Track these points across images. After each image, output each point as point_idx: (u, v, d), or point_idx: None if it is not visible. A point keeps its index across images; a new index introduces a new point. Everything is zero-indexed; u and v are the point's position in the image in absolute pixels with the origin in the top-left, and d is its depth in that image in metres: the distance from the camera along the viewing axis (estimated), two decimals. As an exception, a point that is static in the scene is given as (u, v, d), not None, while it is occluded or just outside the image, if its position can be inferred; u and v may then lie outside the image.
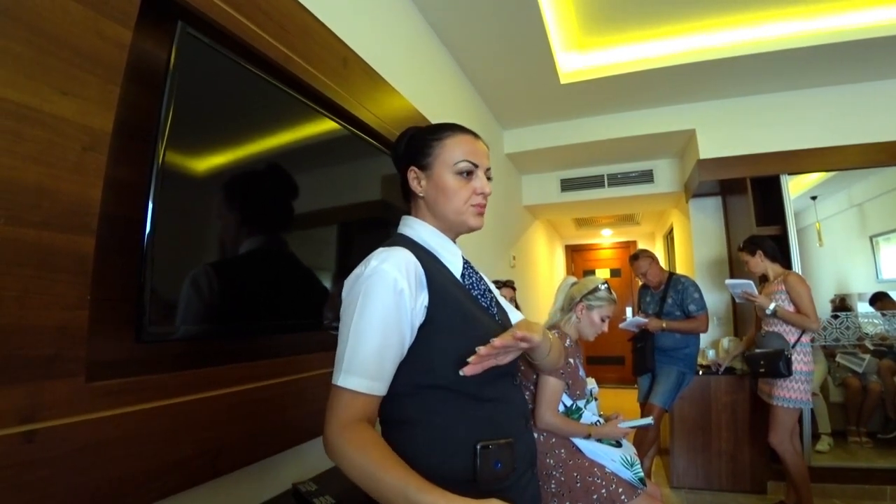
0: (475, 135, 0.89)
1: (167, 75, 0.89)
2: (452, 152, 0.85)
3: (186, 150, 0.94)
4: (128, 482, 0.81)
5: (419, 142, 0.88)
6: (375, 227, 1.66)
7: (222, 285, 1.01)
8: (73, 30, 0.77)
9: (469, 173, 0.85)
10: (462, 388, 0.76)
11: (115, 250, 0.87)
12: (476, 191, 0.85)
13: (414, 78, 2.26)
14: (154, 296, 0.84)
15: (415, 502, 0.61)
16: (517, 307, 2.84)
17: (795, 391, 2.44)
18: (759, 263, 2.70)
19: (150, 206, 0.83)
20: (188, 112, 0.93)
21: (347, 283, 0.77)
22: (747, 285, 2.67)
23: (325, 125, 1.41)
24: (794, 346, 2.48)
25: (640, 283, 3.34)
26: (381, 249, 0.77)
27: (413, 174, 0.87)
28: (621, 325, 3.13)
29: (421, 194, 0.87)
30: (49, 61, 0.74)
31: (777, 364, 2.43)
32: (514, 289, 2.80)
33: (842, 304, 3.33)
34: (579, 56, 3.14)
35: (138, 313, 0.82)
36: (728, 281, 2.81)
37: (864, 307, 3.28)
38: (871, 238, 3.39)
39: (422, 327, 0.76)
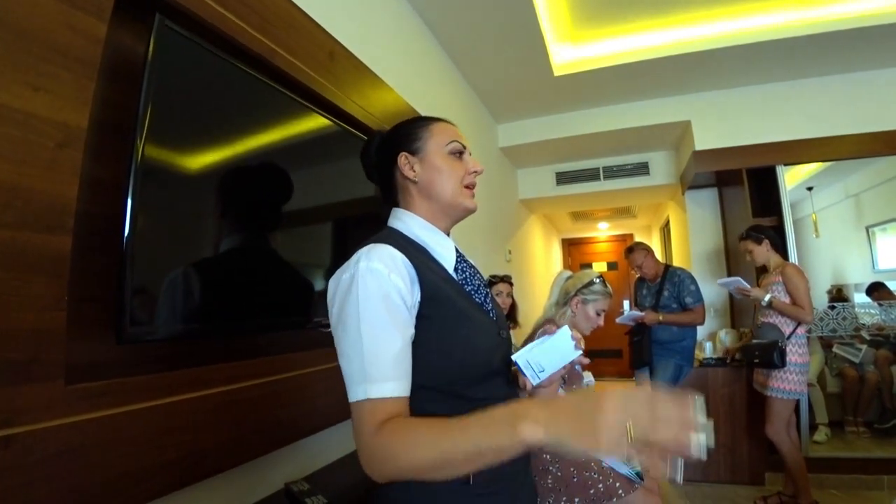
0: (452, 123, 0.91)
1: (145, 70, 0.86)
2: (442, 135, 0.87)
3: (166, 147, 0.91)
4: (111, 486, 0.79)
5: (405, 130, 0.88)
6: (368, 223, 1.63)
7: (205, 284, 0.99)
8: (44, 23, 0.75)
9: (459, 154, 0.87)
10: (453, 389, 0.74)
11: (94, 250, 0.85)
12: (469, 169, 0.86)
13: (404, 71, 2.23)
14: (135, 296, 0.82)
15: (481, 426, 0.58)
16: (514, 303, 2.84)
17: (791, 382, 2.44)
18: (765, 253, 2.68)
19: (129, 203, 0.81)
20: (168, 108, 0.91)
21: (338, 287, 0.72)
22: (737, 282, 2.68)
23: (313, 120, 1.39)
24: (789, 338, 2.48)
25: (637, 276, 3.33)
26: (363, 248, 0.74)
27: (405, 159, 0.86)
28: (618, 320, 3.12)
29: (415, 179, 0.85)
30: (19, 56, 0.71)
31: (771, 355, 2.43)
32: (511, 284, 2.79)
33: (838, 295, 3.33)
34: (573, 48, 3.11)
35: (118, 314, 0.80)
36: (720, 281, 2.84)
37: (860, 298, 3.28)
38: (867, 228, 3.38)
39: (415, 324, 0.74)
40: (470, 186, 0.87)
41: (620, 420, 0.49)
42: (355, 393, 0.66)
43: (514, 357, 0.75)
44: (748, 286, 2.64)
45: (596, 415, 0.50)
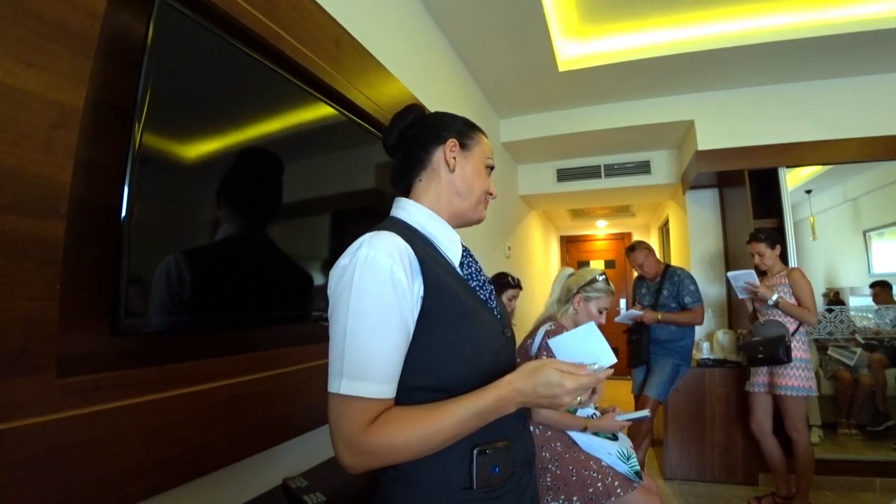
0: None
1: (145, 50, 0.82)
2: (487, 148, 0.90)
3: (166, 132, 0.87)
4: (105, 483, 0.76)
5: (461, 122, 0.90)
6: (369, 215, 1.60)
7: (204, 275, 0.96)
8: (39, -4, 0.71)
9: (490, 171, 0.91)
10: (457, 391, 0.71)
11: (88, 237, 0.81)
12: (489, 189, 0.90)
13: (409, 62, 2.19)
14: (131, 286, 0.79)
15: (477, 414, 0.66)
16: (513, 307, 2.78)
17: (800, 379, 2.45)
18: (773, 256, 2.68)
19: (127, 191, 0.77)
20: (168, 90, 0.87)
21: (334, 274, 0.70)
22: (749, 275, 2.64)
23: (317, 108, 1.35)
24: (793, 335, 2.49)
25: (636, 275, 3.32)
26: (367, 235, 0.71)
27: (454, 145, 0.85)
28: (617, 319, 3.11)
29: (452, 169, 0.84)
30: (12, 30, 0.67)
31: (777, 350, 2.43)
32: (521, 288, 2.74)
33: (835, 298, 3.35)
34: (578, 44, 3.08)
35: (114, 305, 0.77)
36: (730, 273, 2.77)
37: (856, 301, 3.30)
38: (864, 233, 3.40)
39: (417, 321, 0.70)
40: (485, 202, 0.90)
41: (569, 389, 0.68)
42: (332, 382, 0.66)
43: (550, 341, 0.78)
44: (758, 282, 2.63)
45: (553, 388, 0.68)
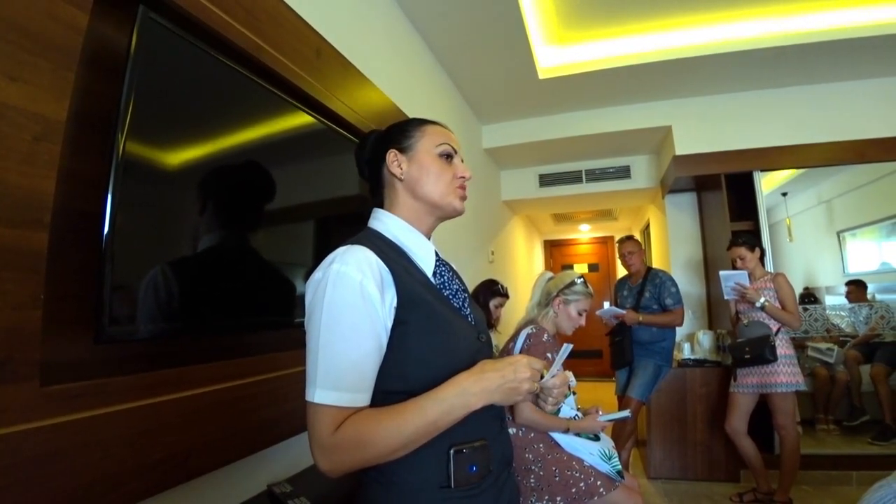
0: (448, 128, 0.92)
1: (128, 62, 0.84)
2: (433, 137, 0.87)
3: (148, 142, 0.89)
4: (90, 490, 0.77)
5: (398, 128, 0.89)
6: (352, 222, 1.62)
7: (187, 283, 0.97)
8: (22, 11, 0.72)
9: (449, 157, 0.87)
10: None
11: (73, 246, 0.82)
12: (457, 174, 0.86)
13: (390, 71, 2.22)
14: (114, 294, 0.80)
15: (438, 400, 0.68)
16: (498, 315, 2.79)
17: (788, 375, 2.53)
18: (754, 259, 2.75)
19: (110, 200, 0.79)
20: (150, 102, 0.89)
21: (309, 288, 0.73)
22: (741, 276, 2.70)
23: (298, 118, 1.37)
24: (776, 334, 2.57)
25: (618, 278, 3.38)
26: (339, 249, 0.73)
27: (393, 156, 0.86)
28: (598, 312, 3.12)
29: (401, 177, 0.85)
30: (-5, 44, 0.69)
31: (763, 349, 2.50)
32: (508, 297, 2.77)
33: (808, 295, 3.44)
34: (558, 51, 3.14)
35: (97, 313, 0.78)
36: (722, 272, 2.79)
37: (831, 300, 3.39)
38: (838, 233, 3.50)
39: (392, 330, 0.73)
40: (460, 189, 0.87)
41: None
42: (308, 392, 0.68)
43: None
44: (748, 283, 2.69)
45: (511, 380, 0.71)
